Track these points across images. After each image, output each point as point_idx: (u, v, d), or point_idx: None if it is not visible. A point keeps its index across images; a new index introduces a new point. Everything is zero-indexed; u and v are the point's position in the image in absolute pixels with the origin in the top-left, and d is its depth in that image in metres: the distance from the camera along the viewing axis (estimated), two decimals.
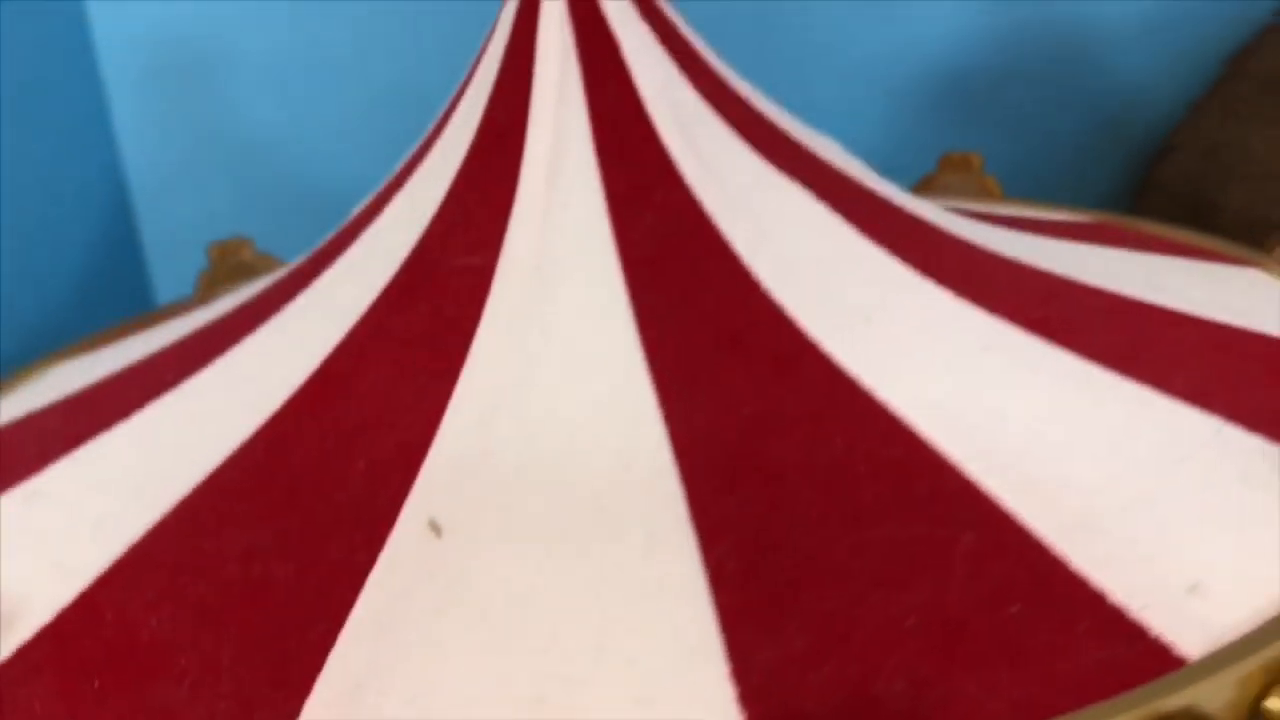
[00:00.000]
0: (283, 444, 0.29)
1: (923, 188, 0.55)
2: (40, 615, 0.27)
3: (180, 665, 0.24)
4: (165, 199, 0.65)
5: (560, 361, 0.30)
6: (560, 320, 0.30)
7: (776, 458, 0.27)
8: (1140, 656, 0.23)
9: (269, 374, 0.32)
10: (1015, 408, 0.29)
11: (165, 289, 0.67)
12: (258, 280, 0.47)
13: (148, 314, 0.48)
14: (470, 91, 0.35)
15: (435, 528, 0.26)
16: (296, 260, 0.48)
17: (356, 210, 0.37)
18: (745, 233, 0.32)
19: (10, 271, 0.56)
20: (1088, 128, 0.67)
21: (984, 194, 0.53)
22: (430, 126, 0.36)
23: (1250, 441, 0.29)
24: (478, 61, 0.36)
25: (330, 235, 0.37)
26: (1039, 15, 0.66)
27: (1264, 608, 0.24)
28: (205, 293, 0.51)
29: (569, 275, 0.31)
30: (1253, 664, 0.23)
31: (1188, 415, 0.30)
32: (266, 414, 0.30)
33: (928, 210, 0.37)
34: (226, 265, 0.53)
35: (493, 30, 0.36)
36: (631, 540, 0.25)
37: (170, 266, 0.66)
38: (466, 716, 0.23)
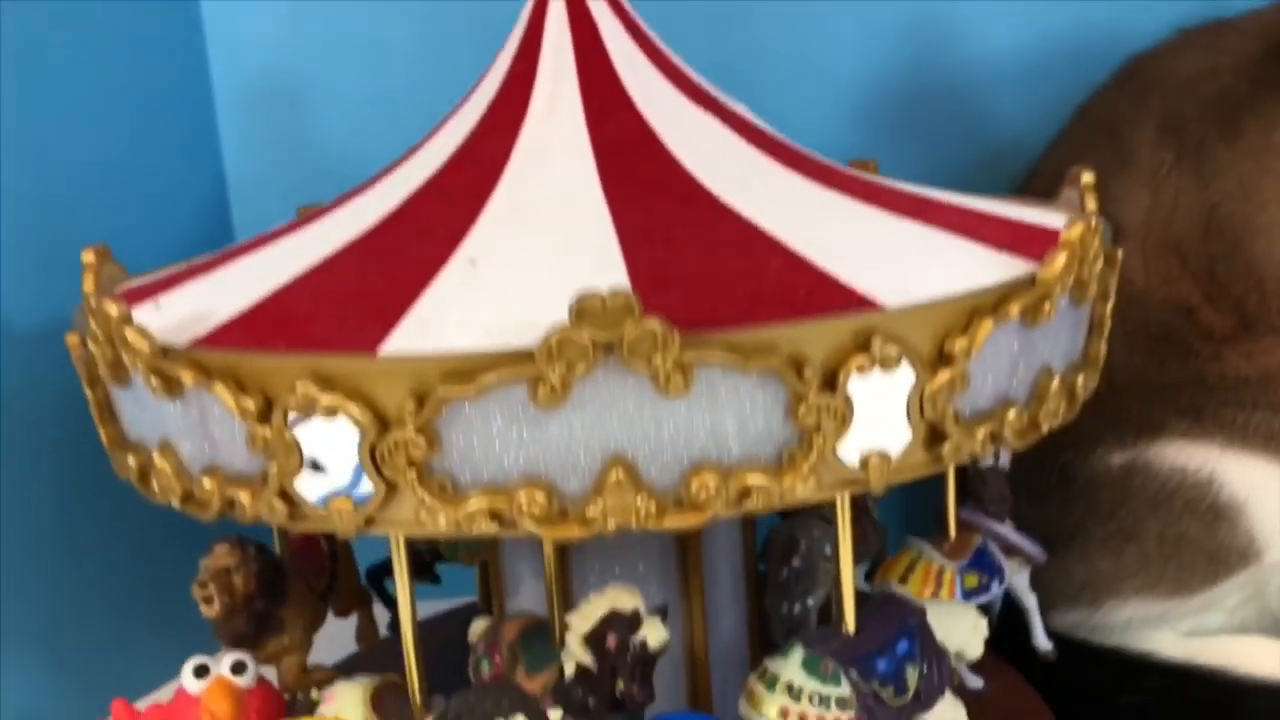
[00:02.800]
0: (391, 227, 0.48)
1: None
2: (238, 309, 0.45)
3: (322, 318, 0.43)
4: (257, 198, 0.87)
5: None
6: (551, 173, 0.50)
7: (680, 233, 0.46)
8: (860, 307, 0.41)
9: (384, 203, 0.50)
10: (822, 225, 0.48)
11: None
12: None
13: None
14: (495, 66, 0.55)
15: (473, 262, 0.45)
16: None
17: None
18: (672, 137, 0.51)
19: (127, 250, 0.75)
20: (976, 152, 0.87)
21: None
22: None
23: (968, 244, 0.48)
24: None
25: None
26: (942, 55, 0.87)
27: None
28: None
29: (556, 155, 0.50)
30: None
31: (932, 233, 0.48)
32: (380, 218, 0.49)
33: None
34: None
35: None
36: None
37: None
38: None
